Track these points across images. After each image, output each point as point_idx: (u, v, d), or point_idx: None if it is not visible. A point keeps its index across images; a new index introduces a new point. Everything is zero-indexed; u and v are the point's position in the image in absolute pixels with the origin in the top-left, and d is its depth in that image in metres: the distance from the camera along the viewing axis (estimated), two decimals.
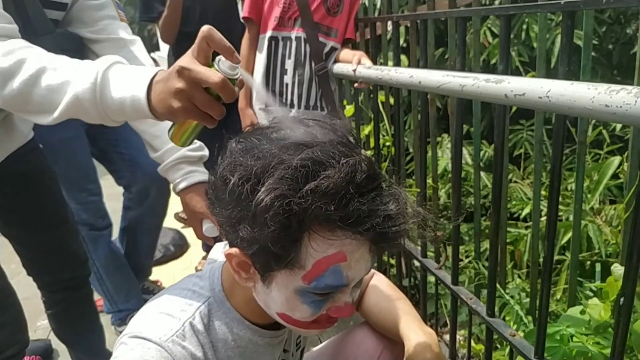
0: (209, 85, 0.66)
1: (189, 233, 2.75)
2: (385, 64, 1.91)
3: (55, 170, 1.31)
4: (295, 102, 1.71)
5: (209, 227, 1.08)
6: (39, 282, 1.34)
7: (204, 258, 2.53)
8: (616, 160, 1.50)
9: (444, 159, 2.35)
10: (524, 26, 2.48)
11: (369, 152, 1.82)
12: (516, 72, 2.42)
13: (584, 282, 1.44)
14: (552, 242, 0.95)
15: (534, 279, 1.25)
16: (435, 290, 1.57)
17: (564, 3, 0.85)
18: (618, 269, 0.99)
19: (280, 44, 1.68)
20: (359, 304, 0.94)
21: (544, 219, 1.11)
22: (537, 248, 1.24)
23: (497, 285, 1.24)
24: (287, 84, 1.70)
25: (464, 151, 1.77)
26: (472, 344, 1.43)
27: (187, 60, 0.66)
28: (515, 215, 2.11)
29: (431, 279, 1.57)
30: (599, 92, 0.68)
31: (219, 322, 0.72)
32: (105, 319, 1.70)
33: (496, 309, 1.20)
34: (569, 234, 1.49)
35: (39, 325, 2.02)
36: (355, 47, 1.84)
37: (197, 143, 1.10)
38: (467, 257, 1.99)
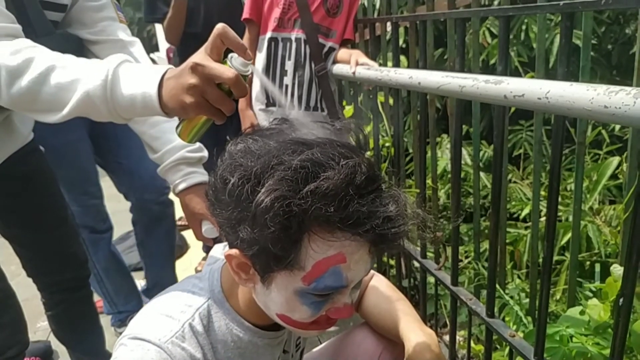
0: (223, 81, 0.68)
1: (188, 234, 2.75)
2: (385, 64, 1.91)
3: (58, 172, 1.31)
4: (295, 103, 1.71)
5: (208, 229, 1.08)
6: (39, 283, 1.34)
7: (204, 259, 2.53)
8: (615, 160, 1.50)
9: (444, 160, 2.35)
10: (523, 26, 2.48)
11: (368, 153, 1.82)
12: (515, 72, 2.42)
13: (584, 282, 1.44)
14: (552, 243, 0.95)
15: (534, 280, 1.25)
16: (434, 291, 1.58)
17: (563, 4, 0.86)
18: (617, 270, 0.99)
19: (280, 45, 1.68)
20: (358, 305, 0.94)
21: (543, 219, 1.11)
22: (537, 248, 1.24)
23: (497, 286, 1.24)
24: (287, 85, 1.70)
25: (464, 151, 1.77)
26: (472, 344, 1.43)
27: (201, 56, 0.68)
28: (515, 215, 2.11)
29: (431, 279, 1.57)
30: (597, 93, 0.68)
31: (218, 323, 0.73)
32: (105, 320, 1.71)
33: (496, 309, 1.20)
34: (569, 235, 1.49)
35: (38, 327, 2.02)
36: (354, 47, 1.84)
37: (197, 144, 1.10)
38: (466, 257, 1.99)
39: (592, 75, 2.50)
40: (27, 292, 1.40)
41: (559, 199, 0.95)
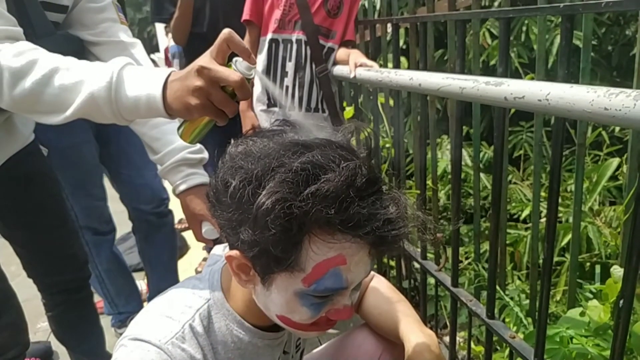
0: (229, 84, 0.70)
1: (188, 235, 2.75)
2: (385, 65, 1.91)
3: (62, 174, 1.30)
4: (296, 104, 1.72)
5: (208, 229, 1.08)
6: (39, 284, 1.34)
7: (204, 260, 2.53)
8: (615, 161, 1.50)
9: (444, 161, 2.36)
10: (524, 28, 2.49)
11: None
12: (515, 73, 2.43)
13: (584, 283, 1.44)
14: (552, 244, 0.95)
15: (534, 281, 1.25)
16: (435, 292, 1.58)
17: (563, 6, 0.86)
18: (617, 271, 0.99)
19: (281, 46, 1.68)
20: (358, 306, 0.95)
21: (543, 220, 1.11)
22: (537, 249, 1.24)
23: (497, 287, 1.24)
24: (287, 87, 1.70)
25: (464, 153, 1.77)
26: (472, 345, 1.43)
27: (206, 60, 0.71)
28: (515, 216, 2.11)
29: (431, 280, 1.57)
30: (598, 95, 0.68)
31: (218, 324, 0.73)
32: (105, 321, 1.71)
33: (496, 310, 1.20)
34: (569, 236, 1.49)
35: (38, 327, 2.02)
36: (354, 48, 1.84)
37: (198, 146, 1.10)
38: (466, 258, 1.99)
39: (592, 77, 2.50)
40: (27, 293, 1.40)
41: (559, 200, 0.95)
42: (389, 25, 1.65)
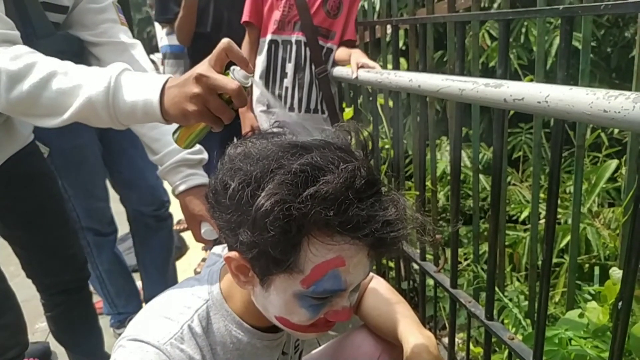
0: (226, 92, 0.72)
1: (187, 236, 2.75)
2: (385, 67, 1.91)
3: (64, 175, 1.30)
4: (296, 105, 1.72)
5: (207, 230, 1.08)
6: (38, 284, 1.34)
7: (203, 260, 2.53)
8: (613, 163, 1.50)
9: (443, 162, 2.36)
10: (523, 29, 2.49)
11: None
12: (515, 75, 2.43)
13: (583, 285, 1.44)
14: (551, 245, 0.95)
15: (533, 282, 1.25)
16: (434, 293, 1.58)
17: (563, 8, 0.86)
18: (616, 273, 0.99)
19: (281, 47, 1.68)
20: (357, 307, 0.94)
21: (542, 221, 1.11)
22: (536, 251, 1.24)
23: (496, 288, 1.24)
24: (287, 88, 1.70)
25: (463, 154, 1.78)
26: (471, 347, 1.43)
27: (205, 68, 0.72)
28: (514, 218, 2.11)
29: (430, 282, 1.57)
30: (597, 97, 0.68)
31: (217, 324, 0.73)
32: (104, 321, 1.70)
33: (495, 312, 1.20)
34: (568, 237, 1.49)
35: (37, 328, 2.02)
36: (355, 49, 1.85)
37: (197, 146, 1.10)
38: (465, 259, 1.99)
39: (591, 78, 2.49)
40: (26, 293, 1.40)
41: (558, 202, 0.96)
42: (388, 26, 1.66)
